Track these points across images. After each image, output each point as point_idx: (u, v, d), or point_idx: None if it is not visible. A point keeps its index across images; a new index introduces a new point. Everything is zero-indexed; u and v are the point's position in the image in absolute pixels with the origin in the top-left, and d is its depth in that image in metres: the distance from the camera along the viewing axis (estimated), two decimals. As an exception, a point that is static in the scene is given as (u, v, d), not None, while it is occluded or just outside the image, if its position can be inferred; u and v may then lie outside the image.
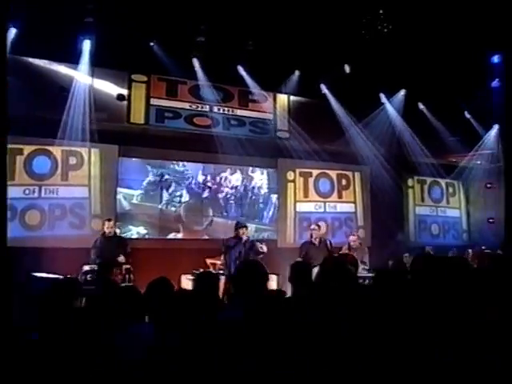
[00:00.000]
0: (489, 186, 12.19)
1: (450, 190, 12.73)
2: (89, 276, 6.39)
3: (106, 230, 7.29)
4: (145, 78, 8.54)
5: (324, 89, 10.00)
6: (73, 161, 8.17)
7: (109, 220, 7.42)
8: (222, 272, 7.24)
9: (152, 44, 7.99)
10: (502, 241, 10.81)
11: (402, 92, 10.27)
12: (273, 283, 7.45)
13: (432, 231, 12.27)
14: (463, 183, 12.66)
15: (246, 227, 7.50)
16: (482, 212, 12.40)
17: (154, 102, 8.56)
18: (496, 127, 11.25)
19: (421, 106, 11.01)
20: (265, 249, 7.39)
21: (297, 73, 9.24)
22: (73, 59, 7.83)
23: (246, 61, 9.07)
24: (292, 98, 9.83)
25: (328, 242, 7.81)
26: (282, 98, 9.82)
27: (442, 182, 12.54)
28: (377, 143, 10.43)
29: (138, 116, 8.41)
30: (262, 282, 2.79)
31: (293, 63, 9.27)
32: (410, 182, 12.11)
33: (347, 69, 9.60)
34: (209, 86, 8.80)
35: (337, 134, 9.90)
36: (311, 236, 8.09)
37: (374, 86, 10.13)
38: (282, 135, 9.68)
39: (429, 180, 12.33)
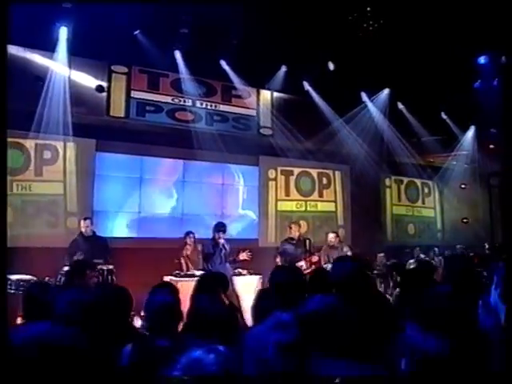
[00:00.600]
0: (463, 186, 12.40)
1: (426, 190, 12.88)
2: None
3: (83, 230, 6.88)
4: (125, 70, 8.16)
5: (307, 86, 9.86)
6: (47, 155, 7.70)
7: (85, 219, 7.00)
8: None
9: (136, 33, 7.56)
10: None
11: (386, 91, 10.20)
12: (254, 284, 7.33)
13: (408, 231, 12.37)
14: (438, 183, 12.82)
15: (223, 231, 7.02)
16: (456, 212, 12.60)
17: (134, 94, 8.19)
18: (473, 129, 11.41)
19: (400, 105, 11.06)
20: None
21: (283, 68, 8.99)
22: (49, 47, 7.36)
23: (229, 55, 8.82)
24: (275, 94, 9.64)
25: (307, 242, 7.51)
26: (266, 94, 9.62)
27: (418, 181, 12.66)
28: (357, 142, 10.40)
29: (117, 109, 8.02)
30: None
31: (277, 59, 9.08)
32: (387, 181, 12.16)
33: (331, 66, 9.47)
34: (191, 80, 8.51)
35: (319, 133, 9.79)
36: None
37: (356, 85, 10.11)
38: (265, 132, 9.49)
39: (405, 180, 12.43)
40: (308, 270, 7.00)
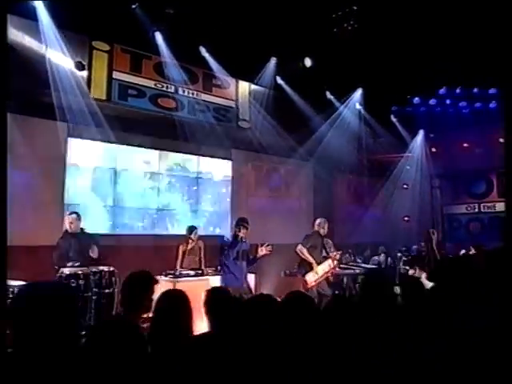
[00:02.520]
0: (405, 186, 13.07)
1: (370, 188, 13.37)
2: (72, 281, 5.20)
3: (67, 226, 6.04)
4: (107, 47, 7.30)
5: (279, 80, 9.67)
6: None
7: (70, 214, 6.16)
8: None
9: (134, 7, 6.76)
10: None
11: (359, 91, 10.37)
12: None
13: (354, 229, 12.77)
14: (383, 183, 13.38)
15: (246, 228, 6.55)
16: (397, 211, 13.25)
17: (116, 75, 7.36)
18: (421, 132, 12.08)
19: (358, 106, 11.34)
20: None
21: (273, 60, 8.71)
22: (26, 15, 6.33)
23: (210, 42, 8.32)
24: (252, 86, 9.31)
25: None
26: (244, 86, 9.24)
27: (364, 180, 13.12)
28: (318, 140, 10.48)
29: (99, 90, 7.15)
30: None
31: (258, 50, 8.75)
32: (338, 179, 12.42)
33: (308, 62, 9.37)
34: (174, 65, 7.87)
35: (289, 128, 9.68)
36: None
37: (323, 85, 10.19)
38: (244, 125, 9.14)
39: (352, 178, 12.80)
40: (334, 269, 7.18)
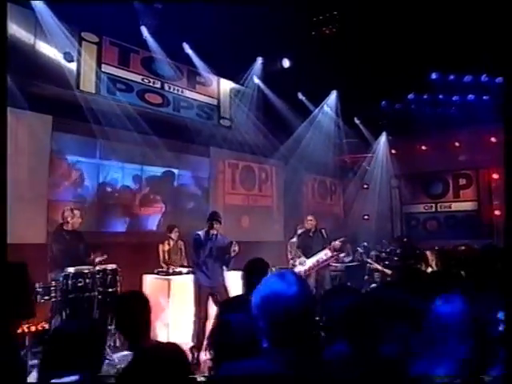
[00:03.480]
0: (365, 186, 13.59)
1: (333, 188, 13.82)
2: (79, 281, 5.01)
3: (70, 221, 5.78)
4: (96, 39, 7.06)
5: (256, 79, 9.78)
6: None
7: (68, 209, 5.92)
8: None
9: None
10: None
11: (334, 93, 10.67)
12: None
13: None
14: (342, 182, 13.86)
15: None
16: (358, 210, 13.77)
17: (105, 68, 7.14)
18: (384, 134, 12.63)
19: (326, 108, 11.68)
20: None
21: (259, 61, 8.79)
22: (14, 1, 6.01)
23: (195, 39, 8.28)
24: (234, 85, 9.35)
25: (324, 231, 7.44)
26: (226, 84, 9.26)
27: (328, 180, 13.54)
28: (293, 141, 10.72)
29: (88, 83, 6.91)
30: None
31: (241, 49, 8.80)
32: (304, 179, 12.73)
33: (286, 63, 9.55)
34: (161, 61, 7.76)
35: (267, 128, 9.84)
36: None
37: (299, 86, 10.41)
38: (225, 123, 9.15)
39: (318, 178, 13.17)
40: (333, 258, 7.29)
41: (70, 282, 4.95)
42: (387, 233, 13.04)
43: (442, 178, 12.54)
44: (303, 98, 10.90)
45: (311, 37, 9.18)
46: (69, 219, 5.80)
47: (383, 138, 12.67)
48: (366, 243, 10.54)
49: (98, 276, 5.28)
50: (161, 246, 6.93)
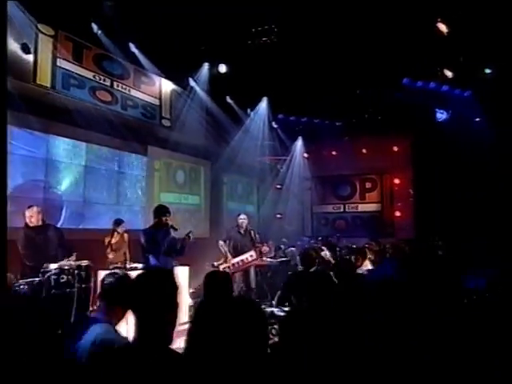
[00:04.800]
0: (278, 186, 14.52)
1: (249, 188, 14.54)
2: (62, 277, 5.03)
3: (27, 220, 5.72)
4: (52, 32, 6.90)
5: (191, 82, 10.11)
6: None
7: (29, 207, 5.81)
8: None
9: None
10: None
11: (265, 100, 11.33)
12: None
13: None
14: (257, 183, 14.61)
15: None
16: (271, 209, 14.65)
17: (60, 63, 7.00)
18: (300, 139, 13.66)
19: (249, 112, 12.37)
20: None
21: (206, 66, 9.11)
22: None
23: (142, 39, 8.41)
24: (173, 86, 9.58)
25: (253, 232, 7.75)
26: (168, 85, 9.45)
27: (244, 180, 14.22)
28: (216, 141, 11.22)
29: (44, 77, 6.73)
30: None
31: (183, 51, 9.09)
32: (225, 179, 13.26)
33: (223, 69, 10.01)
34: (110, 58, 7.80)
35: (202, 129, 10.24)
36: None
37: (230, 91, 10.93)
38: (165, 123, 9.35)
39: (235, 178, 13.79)
40: (256, 260, 7.59)
41: (52, 277, 4.97)
42: (298, 231, 14.10)
43: (350, 181, 13.89)
44: (231, 102, 11.46)
45: (247, 46, 9.78)
46: (31, 218, 5.73)
47: (299, 142, 13.70)
48: (284, 239, 11.34)
49: (77, 272, 5.33)
50: (106, 239, 6.98)
